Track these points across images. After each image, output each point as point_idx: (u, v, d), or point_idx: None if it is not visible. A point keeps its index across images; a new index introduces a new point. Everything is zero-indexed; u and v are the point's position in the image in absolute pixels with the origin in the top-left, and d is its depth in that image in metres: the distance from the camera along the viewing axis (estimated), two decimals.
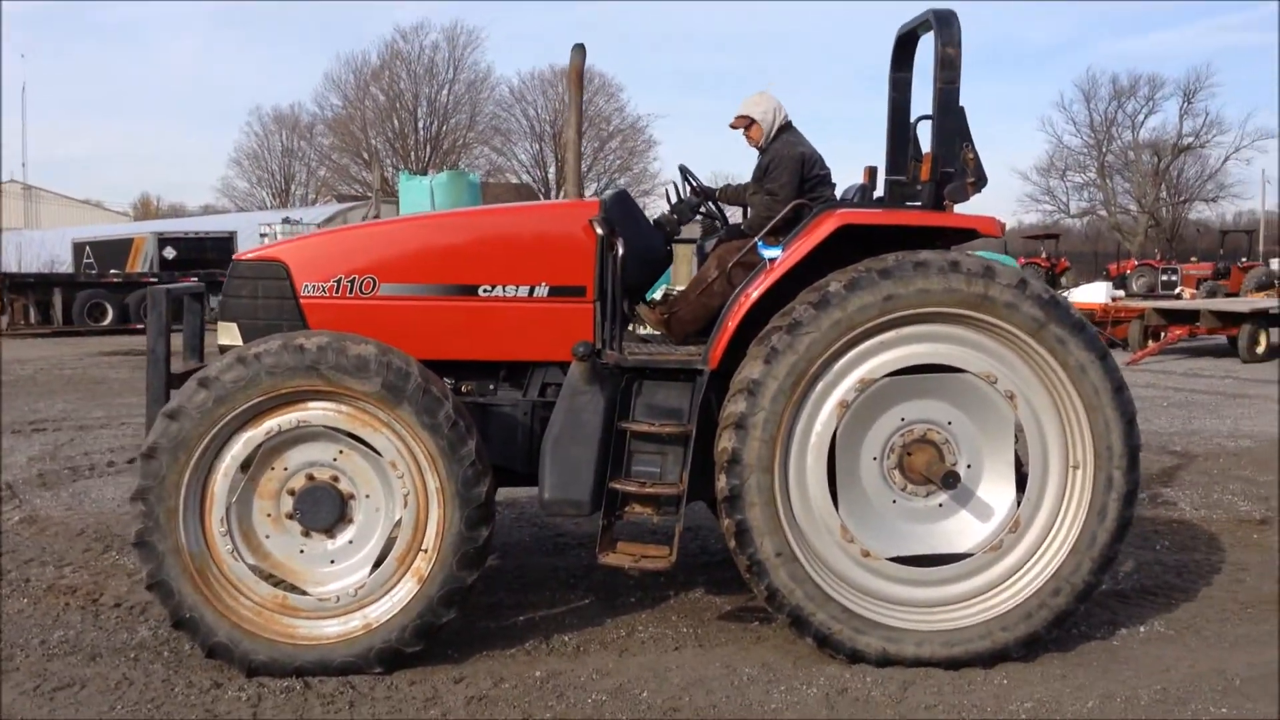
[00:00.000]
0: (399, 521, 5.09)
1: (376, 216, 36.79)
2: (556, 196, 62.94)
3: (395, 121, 62.48)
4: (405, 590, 5.08)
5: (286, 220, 34.16)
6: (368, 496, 5.14)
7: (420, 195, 33.83)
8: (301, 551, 5.13)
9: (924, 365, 5.27)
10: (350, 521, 5.15)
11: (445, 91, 62.70)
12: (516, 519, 7.90)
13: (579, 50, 5.90)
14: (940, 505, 5.35)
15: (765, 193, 6.13)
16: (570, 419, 5.32)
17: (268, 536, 5.11)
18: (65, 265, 36.91)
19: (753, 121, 6.26)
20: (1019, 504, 5.31)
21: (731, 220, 6.74)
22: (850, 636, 5.17)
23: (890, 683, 4.99)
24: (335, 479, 5.13)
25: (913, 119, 6.00)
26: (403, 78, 62.72)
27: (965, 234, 5.64)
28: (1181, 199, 66.17)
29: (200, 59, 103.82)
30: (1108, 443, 5.22)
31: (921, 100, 5.91)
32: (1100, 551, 5.26)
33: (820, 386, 5.20)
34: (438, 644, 5.24)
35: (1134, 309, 21.55)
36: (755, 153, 6.36)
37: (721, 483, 5.15)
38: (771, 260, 5.40)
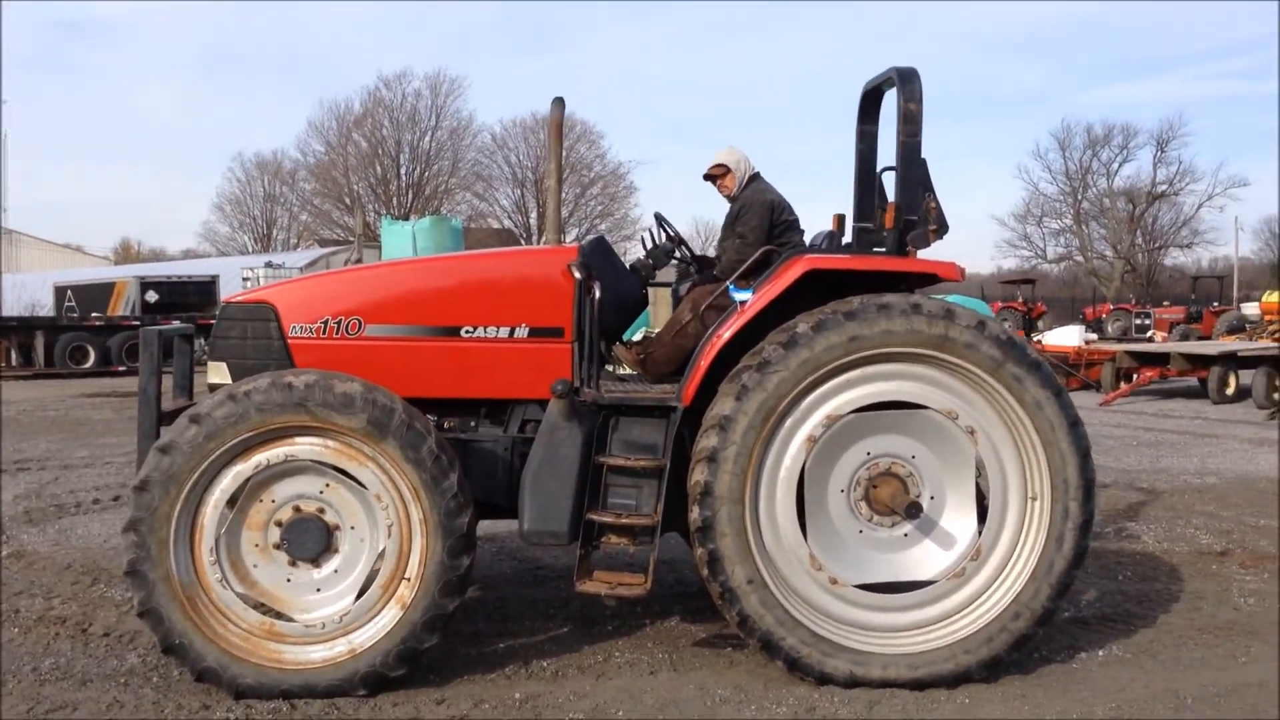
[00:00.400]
0: (383, 551, 5.27)
1: (359, 261, 37.05)
2: (538, 241, 63.40)
3: (378, 167, 62.94)
4: (389, 617, 5.25)
5: (269, 264, 34.45)
6: (353, 528, 5.33)
7: (403, 240, 34.08)
8: (288, 580, 5.31)
9: (888, 402, 5.51)
10: (336, 551, 5.33)
11: (428, 138, 63.28)
12: (497, 552, 8.08)
13: (558, 103, 6.16)
14: (905, 535, 5.56)
15: (736, 237, 6.41)
16: (549, 454, 5.51)
17: (255, 566, 5.28)
18: (47, 309, 36.91)
19: (727, 170, 6.57)
20: (980, 534, 5.53)
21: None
22: (819, 660, 5.36)
23: (857, 702, 5.19)
24: (321, 511, 5.31)
25: (878, 169, 6.28)
26: (385, 124, 63.29)
27: (927, 278, 5.89)
28: (1156, 245, 67.14)
29: (181, 105, 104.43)
30: (1064, 475, 5.45)
31: (887, 151, 6.19)
32: (1058, 578, 5.48)
33: (789, 422, 5.43)
34: (420, 669, 5.41)
35: (1106, 351, 21.90)
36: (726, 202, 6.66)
37: (695, 514, 5.36)
38: (743, 303, 5.65)
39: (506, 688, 5.38)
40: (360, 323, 5.73)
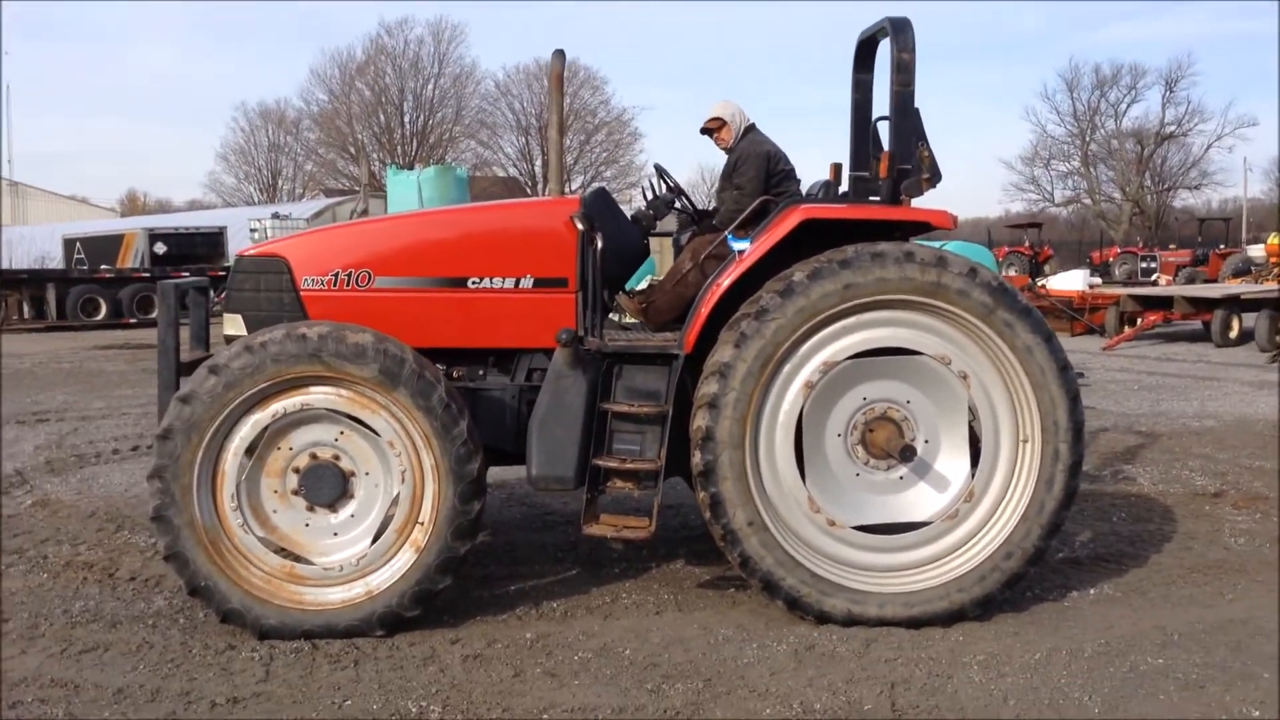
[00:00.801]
0: (397, 497, 5.47)
1: (365, 211, 37.04)
2: (543, 189, 63.25)
3: (381, 116, 62.79)
4: (404, 559, 5.47)
5: (276, 215, 34.54)
6: (367, 474, 5.52)
7: (408, 190, 34.12)
8: (307, 525, 5.52)
9: (884, 348, 5.67)
10: (351, 497, 5.54)
11: (431, 86, 63.06)
12: (507, 499, 8.29)
13: (559, 55, 6.26)
14: (900, 478, 5.75)
15: (734, 188, 6.55)
16: (555, 401, 5.69)
17: (275, 511, 5.49)
18: (55, 261, 37.12)
19: (724, 123, 6.71)
20: (973, 476, 5.71)
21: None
22: (818, 599, 5.57)
23: (854, 640, 5.39)
24: (337, 458, 5.50)
25: (873, 118, 6.38)
26: (388, 73, 63.09)
27: (920, 226, 6.02)
28: (1165, 187, 66.81)
29: (183, 57, 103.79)
30: (1054, 418, 5.62)
31: (882, 100, 6.29)
32: (1048, 519, 5.66)
33: (787, 369, 5.59)
34: (434, 610, 5.63)
35: (1110, 296, 22.00)
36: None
37: (696, 458, 5.54)
38: (741, 252, 5.80)
39: (518, 628, 5.60)
40: (370, 275, 5.89)
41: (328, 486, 5.49)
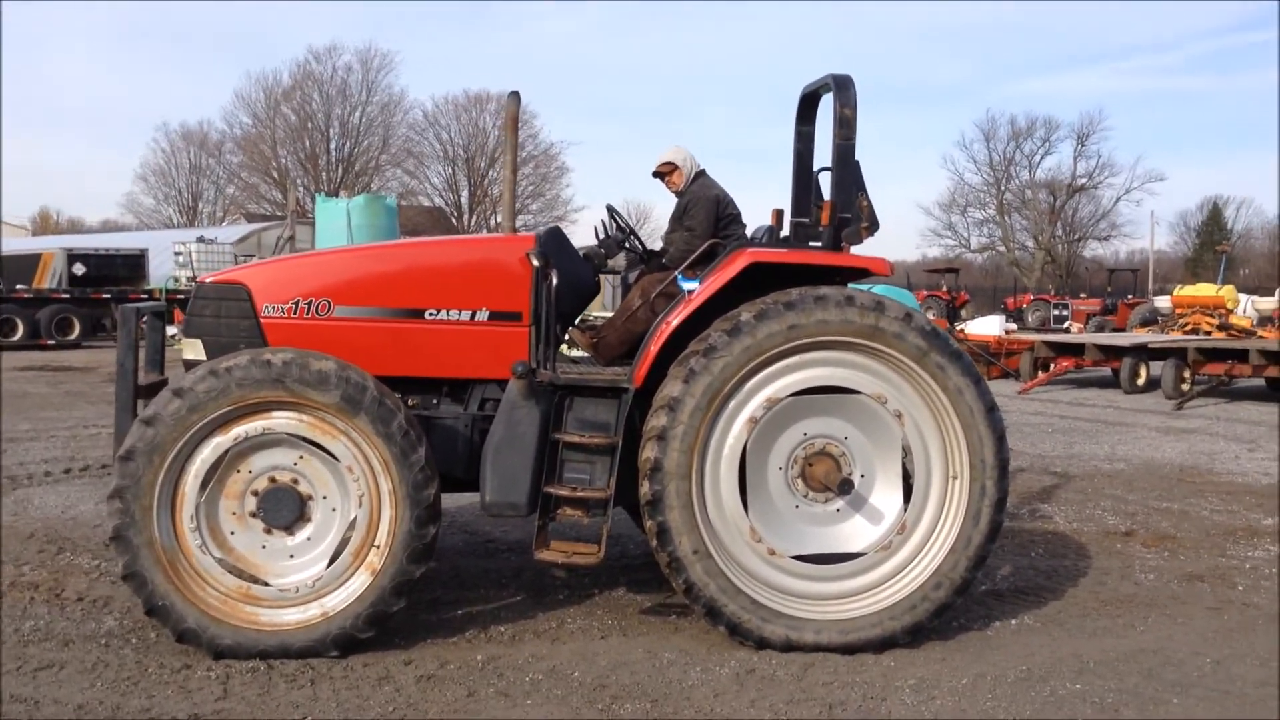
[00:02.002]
0: (354, 520, 5.62)
1: (292, 237, 36.79)
2: (470, 219, 63.32)
3: (306, 141, 62.43)
4: (359, 582, 5.61)
5: (201, 239, 34.10)
6: (325, 498, 5.67)
7: (337, 217, 33.99)
8: (263, 547, 5.63)
9: (823, 386, 5.97)
10: (309, 520, 5.67)
11: (358, 113, 62.87)
12: (449, 525, 8.42)
13: (514, 97, 6.50)
14: (837, 510, 6.04)
15: (685, 229, 6.85)
16: (509, 430, 5.89)
17: (233, 533, 5.60)
18: None
19: (675, 168, 7.03)
20: (905, 510, 6.02)
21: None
22: (758, 625, 5.82)
23: (793, 664, 5.65)
24: (295, 481, 5.64)
25: (815, 169, 6.73)
26: (315, 98, 62.79)
27: (859, 272, 6.36)
28: (1076, 237, 68.97)
29: (100, 73, 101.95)
30: (981, 456, 5.96)
31: (822, 151, 6.64)
32: (975, 551, 5.99)
33: (732, 404, 5.87)
34: (386, 633, 5.77)
35: (1025, 341, 22.72)
36: (669, 195, 7.11)
37: (645, 488, 5.78)
38: (690, 292, 6.08)
39: (469, 650, 5.76)
40: (330, 304, 6.04)
41: (285, 509, 5.62)
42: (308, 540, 5.67)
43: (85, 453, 11.47)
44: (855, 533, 6.04)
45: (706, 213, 6.88)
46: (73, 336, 29.20)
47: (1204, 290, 27.38)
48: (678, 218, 7.04)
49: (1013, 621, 6.49)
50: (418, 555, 5.60)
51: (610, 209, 7.16)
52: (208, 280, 6.26)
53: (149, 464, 5.40)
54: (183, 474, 5.49)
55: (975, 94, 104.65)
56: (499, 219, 66.56)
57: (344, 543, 5.66)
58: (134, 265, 33.31)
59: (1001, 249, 69.56)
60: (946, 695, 5.30)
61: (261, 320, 6.01)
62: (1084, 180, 66.70)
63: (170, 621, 5.44)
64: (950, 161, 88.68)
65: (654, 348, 6.02)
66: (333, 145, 62.61)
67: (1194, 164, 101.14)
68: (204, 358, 5.93)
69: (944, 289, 37.63)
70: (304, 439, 5.60)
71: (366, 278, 6.18)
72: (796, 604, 5.93)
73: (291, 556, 5.66)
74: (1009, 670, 5.63)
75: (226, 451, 5.53)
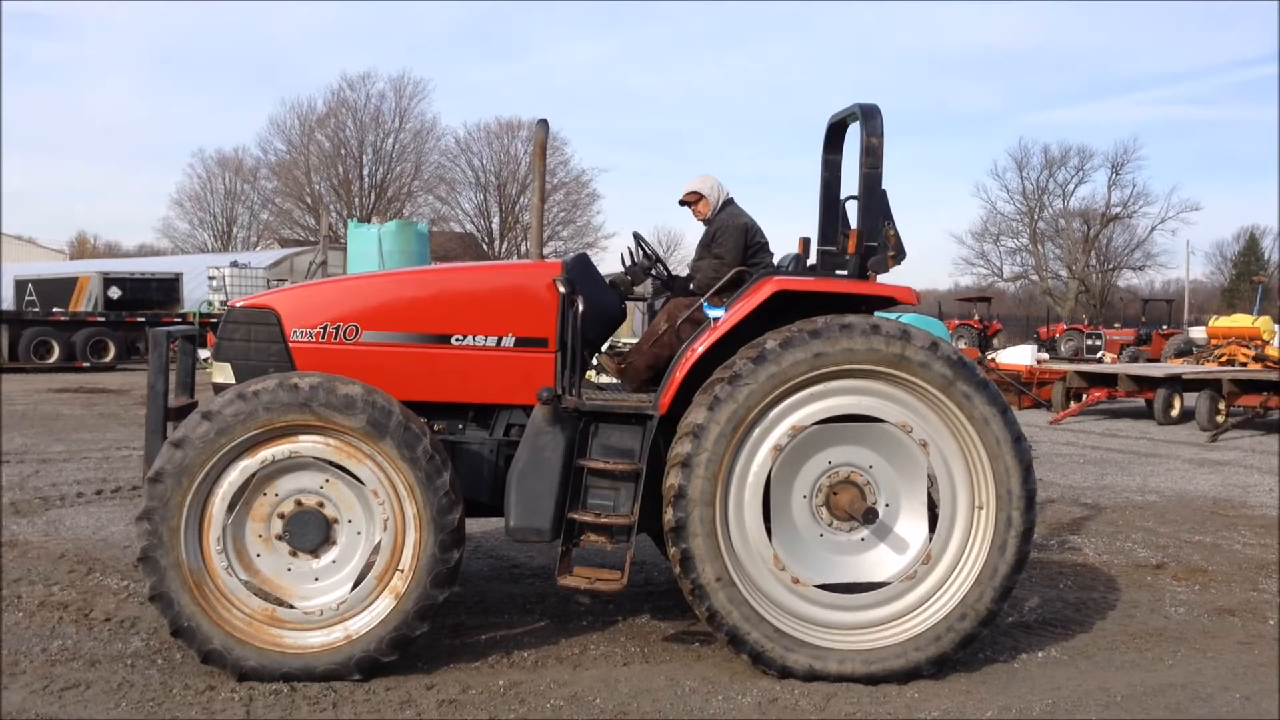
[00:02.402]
0: (379, 544, 5.65)
1: (324, 263, 37.12)
2: (500, 245, 63.63)
3: (340, 168, 63.01)
4: (383, 606, 5.63)
5: (235, 264, 34.44)
6: (350, 521, 5.70)
7: (368, 243, 34.32)
8: (289, 569, 5.67)
9: (849, 415, 5.96)
10: (334, 543, 5.70)
11: (391, 140, 63.43)
12: (474, 551, 8.45)
13: (543, 125, 6.54)
14: (862, 539, 6.00)
15: (713, 257, 6.88)
16: (534, 456, 5.90)
17: (259, 555, 5.64)
18: (6, 303, 36.81)
19: (701, 197, 7.08)
20: (930, 539, 5.99)
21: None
22: (781, 654, 5.79)
23: (816, 694, 5.62)
24: (321, 505, 5.68)
25: (842, 197, 6.74)
26: (348, 125, 63.39)
27: (885, 301, 6.36)
28: (1110, 266, 68.52)
29: (138, 100, 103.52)
30: (1008, 486, 5.92)
31: (850, 180, 6.65)
32: (1001, 582, 5.94)
33: (757, 432, 5.86)
34: (409, 657, 5.79)
35: (1057, 371, 22.56)
36: (697, 223, 7.15)
37: (669, 515, 5.78)
38: (716, 319, 6.09)
39: (490, 675, 5.77)
40: (357, 329, 6.09)
41: (311, 532, 5.65)
42: (333, 563, 5.70)
43: (117, 474, 11.59)
44: (880, 562, 6.00)
45: (735, 240, 6.90)
46: (107, 359, 29.55)
47: (1240, 321, 27.08)
48: (705, 245, 7.07)
49: (1039, 654, 6.43)
50: (441, 579, 5.62)
51: (636, 236, 7.19)
52: (237, 304, 6.34)
53: (177, 486, 5.46)
54: (210, 496, 5.55)
55: (1007, 122, 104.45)
56: (530, 245, 67.07)
57: (368, 566, 5.69)
58: (169, 289, 33.73)
59: (1034, 278, 69.19)
60: None
61: (290, 344, 6.07)
62: (1118, 209, 66.33)
63: (196, 642, 5.48)
64: (983, 190, 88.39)
65: (679, 375, 6.02)
66: (365, 171, 63.16)
67: (1230, 194, 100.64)
68: (234, 381, 6.00)
69: (976, 318, 37.50)
70: (330, 463, 5.64)
71: (394, 303, 6.23)
72: (821, 633, 5.90)
73: (316, 579, 5.69)
74: (1034, 703, 5.58)
75: (254, 475, 5.58)
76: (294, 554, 5.67)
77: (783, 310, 6.01)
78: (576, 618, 6.87)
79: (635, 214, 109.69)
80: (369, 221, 41.90)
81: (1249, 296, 38.90)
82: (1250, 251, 71.93)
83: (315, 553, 5.69)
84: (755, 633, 5.78)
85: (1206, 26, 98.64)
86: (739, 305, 6.07)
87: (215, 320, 29.29)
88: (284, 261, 41.55)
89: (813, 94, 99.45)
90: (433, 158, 64.44)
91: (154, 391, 6.21)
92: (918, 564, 5.96)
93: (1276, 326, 28.91)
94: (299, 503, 5.67)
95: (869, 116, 6.16)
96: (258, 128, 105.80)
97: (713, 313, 6.20)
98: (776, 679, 5.77)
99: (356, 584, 5.65)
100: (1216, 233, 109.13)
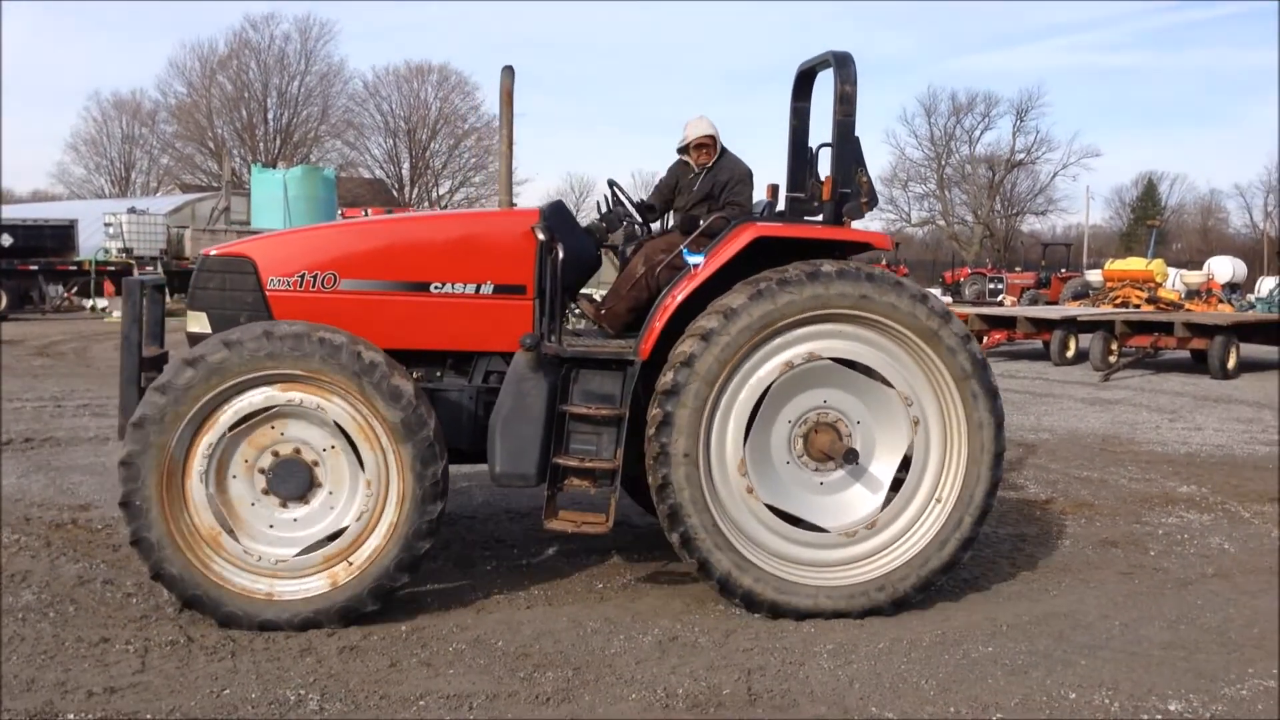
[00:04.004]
0: (342, 531, 5.69)
1: (227, 209, 36.34)
2: (411, 192, 62.75)
3: (243, 111, 61.39)
4: (316, 585, 5.65)
5: (133, 210, 33.42)
6: (330, 493, 5.72)
7: (274, 188, 33.71)
8: (253, 504, 5.67)
9: (850, 364, 6.09)
10: (305, 504, 5.72)
11: (296, 83, 61.94)
12: None
13: (508, 71, 6.45)
14: (821, 484, 6.15)
15: (729, 204, 6.89)
16: (518, 402, 5.94)
17: (234, 477, 5.64)
18: None
19: (713, 141, 7.06)
20: (881, 509, 6.14)
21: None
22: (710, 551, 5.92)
23: (715, 631, 5.74)
24: (316, 464, 5.68)
25: (814, 144, 6.83)
26: (251, 67, 61.75)
27: (861, 247, 6.50)
28: (1014, 211, 69.82)
29: (29, 39, 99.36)
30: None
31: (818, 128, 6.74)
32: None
33: (779, 341, 5.96)
34: None
35: (960, 315, 22.99)
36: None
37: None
38: (695, 265, 6.13)
39: (393, 621, 5.77)
40: (335, 277, 6.05)
41: (292, 484, 5.66)
42: (293, 521, 5.71)
43: (9, 426, 11.29)
44: (830, 509, 6.15)
45: (750, 188, 6.98)
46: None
47: (1134, 264, 27.77)
48: (714, 194, 7.01)
49: (930, 588, 6.62)
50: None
51: (612, 183, 7.20)
52: (212, 253, 6.27)
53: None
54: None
55: (918, 69, 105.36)
56: (441, 191, 65.62)
57: (318, 545, 5.70)
58: (63, 236, 32.58)
59: (941, 223, 70.26)
60: (863, 659, 5.42)
61: (267, 293, 6.02)
62: (1022, 155, 67.48)
63: (133, 522, 5.45)
64: (892, 136, 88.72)
65: (659, 323, 6.07)
66: (270, 115, 61.65)
67: (1130, 140, 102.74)
68: (209, 330, 5.95)
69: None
70: (344, 431, 5.65)
71: (373, 251, 6.19)
72: (776, 564, 6.04)
73: (270, 527, 5.69)
74: (925, 634, 5.76)
75: (269, 409, 5.59)
76: (266, 493, 5.67)
77: (754, 257, 6.05)
78: (480, 562, 6.91)
79: (548, 160, 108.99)
80: (274, 167, 41.05)
81: (1146, 240, 39.95)
82: (1148, 196, 73.77)
83: (284, 503, 5.69)
84: (694, 519, 5.90)
85: None
86: (719, 252, 6.10)
87: (113, 268, 28.36)
88: (185, 208, 40.53)
89: (734, 41, 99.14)
90: (340, 102, 63.22)
91: (128, 341, 6.14)
92: (862, 526, 6.11)
93: (1170, 269, 29.80)
94: (297, 451, 5.67)
95: (842, 64, 6.22)
96: (156, 70, 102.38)
97: (692, 259, 6.22)
98: (676, 616, 5.90)
99: (302, 553, 5.68)
100: (1116, 178, 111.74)
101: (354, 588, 5.61)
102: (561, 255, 6.07)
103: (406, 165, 64.23)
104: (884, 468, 6.17)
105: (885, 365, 6.09)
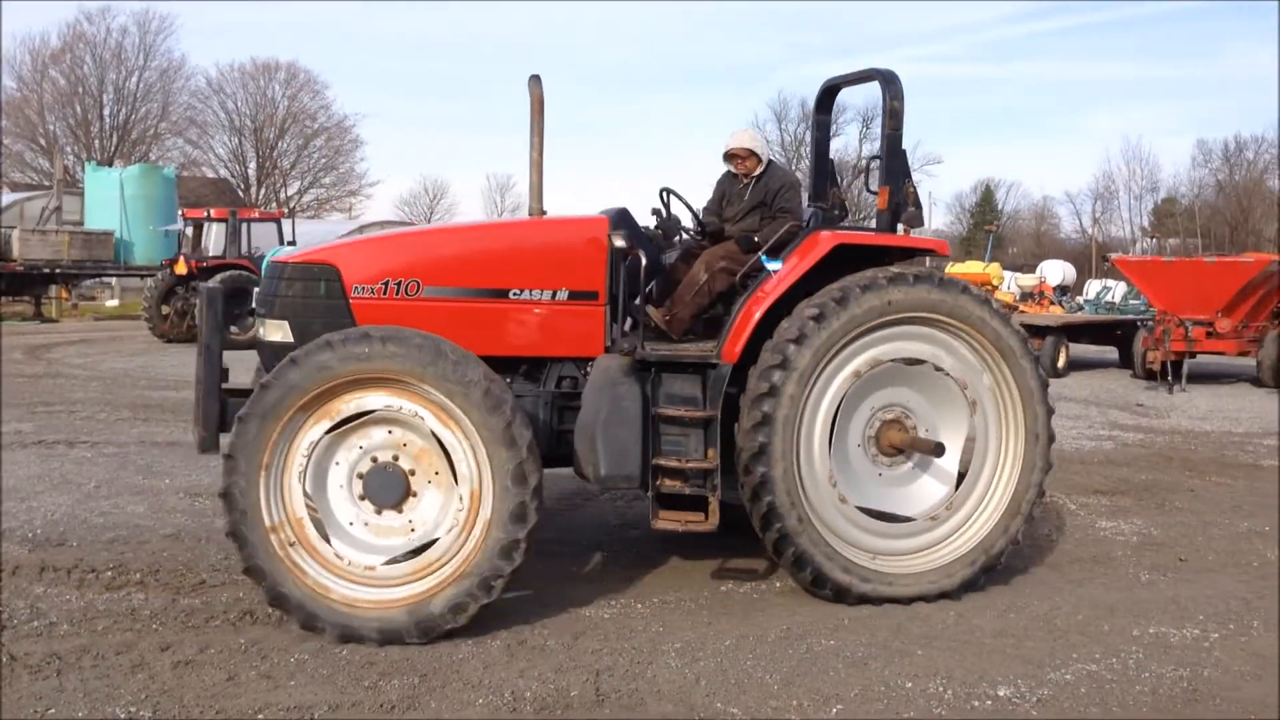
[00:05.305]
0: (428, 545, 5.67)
1: (59, 208, 34.72)
2: (257, 192, 61.04)
3: (77, 107, 58.71)
4: (402, 595, 5.60)
5: None
6: (424, 503, 5.71)
7: (109, 188, 32.31)
8: (346, 508, 5.68)
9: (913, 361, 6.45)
10: (398, 512, 5.70)
11: (135, 79, 59.50)
12: (216, 510, 8.16)
13: (536, 80, 6.39)
14: (880, 475, 6.56)
15: (780, 212, 6.99)
16: (615, 406, 6.00)
17: (331, 479, 5.65)
18: None
19: (753, 153, 7.12)
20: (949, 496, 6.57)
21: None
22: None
23: (564, 633, 5.74)
24: (412, 473, 5.68)
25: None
26: (87, 61, 59.08)
27: (924, 252, 6.88)
28: (861, 216, 71.60)
29: None
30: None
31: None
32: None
33: (880, 332, 6.34)
34: (142, 619, 5.59)
35: None
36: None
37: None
38: (774, 271, 6.37)
39: (232, 634, 5.61)
40: (419, 284, 6.05)
41: (390, 491, 5.64)
42: (387, 528, 5.71)
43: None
44: (907, 498, 6.57)
45: (799, 196, 7.11)
46: None
47: (972, 267, 28.82)
48: (766, 202, 7.07)
49: (778, 584, 6.77)
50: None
51: (670, 191, 7.21)
52: (294, 261, 6.17)
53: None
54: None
55: (771, 76, 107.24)
56: (290, 192, 63.85)
57: (414, 553, 5.68)
58: None
59: None
60: (710, 656, 5.49)
61: (351, 301, 5.96)
62: (867, 161, 69.32)
63: (233, 514, 5.53)
64: None
65: (746, 328, 6.24)
66: (106, 112, 59.06)
67: (969, 149, 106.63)
68: (291, 339, 5.92)
69: None
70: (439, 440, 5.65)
71: (455, 258, 6.24)
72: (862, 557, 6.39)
73: (362, 532, 5.68)
74: (770, 630, 5.88)
75: (369, 413, 5.60)
76: (362, 498, 5.68)
77: (827, 263, 6.35)
78: None
79: (404, 161, 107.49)
80: (110, 165, 39.38)
81: (983, 245, 41.50)
82: (986, 202, 76.69)
83: (379, 509, 5.68)
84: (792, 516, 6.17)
85: None
86: (800, 260, 6.35)
87: None
88: (14, 206, 38.56)
89: (586, 45, 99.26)
90: (182, 98, 60.94)
91: (209, 352, 5.98)
92: (940, 509, 6.54)
93: (1005, 273, 31.04)
94: (395, 459, 5.65)
95: (890, 82, 6.60)
96: None
97: (771, 265, 6.41)
98: (525, 621, 5.87)
99: (390, 563, 5.64)
100: (957, 185, 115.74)
101: (439, 601, 5.53)
102: (645, 262, 6.30)
103: (253, 165, 62.45)
104: (950, 455, 6.53)
105: (944, 359, 6.47)
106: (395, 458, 5.65)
